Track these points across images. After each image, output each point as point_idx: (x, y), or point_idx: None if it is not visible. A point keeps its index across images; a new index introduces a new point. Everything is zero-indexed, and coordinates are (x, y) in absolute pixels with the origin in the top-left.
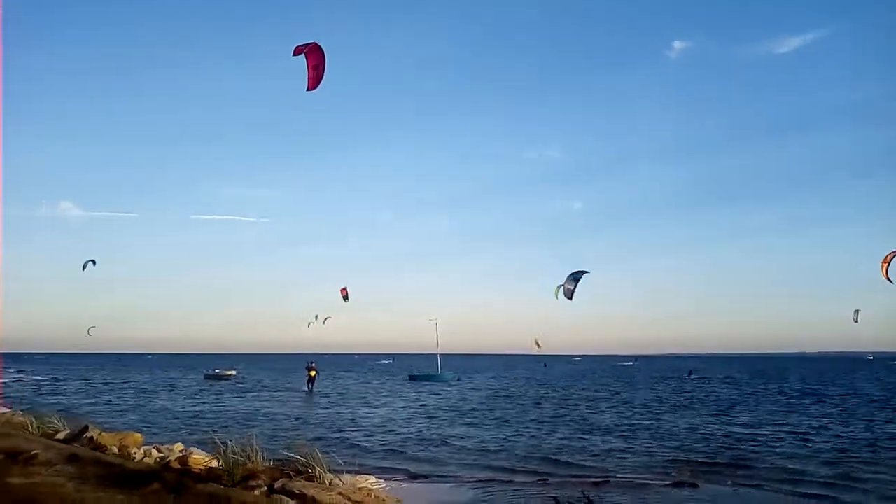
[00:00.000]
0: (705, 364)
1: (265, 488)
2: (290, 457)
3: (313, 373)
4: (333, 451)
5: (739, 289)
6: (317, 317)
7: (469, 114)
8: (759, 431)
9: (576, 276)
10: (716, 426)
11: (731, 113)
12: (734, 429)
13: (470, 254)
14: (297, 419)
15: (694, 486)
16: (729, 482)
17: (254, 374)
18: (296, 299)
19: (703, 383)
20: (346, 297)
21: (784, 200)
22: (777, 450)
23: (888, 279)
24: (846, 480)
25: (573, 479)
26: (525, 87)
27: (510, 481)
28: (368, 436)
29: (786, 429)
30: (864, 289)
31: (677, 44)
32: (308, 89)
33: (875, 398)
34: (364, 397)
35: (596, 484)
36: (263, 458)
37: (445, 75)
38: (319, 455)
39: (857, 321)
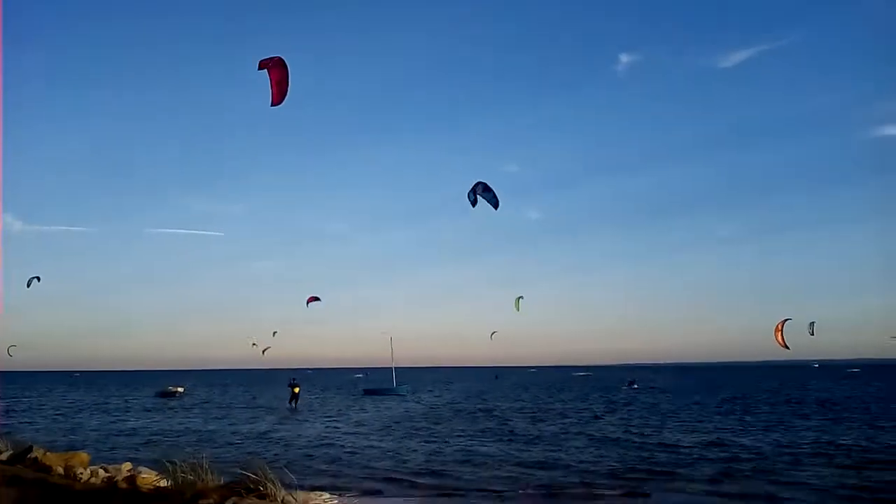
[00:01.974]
0: (655, 374)
1: None
2: (243, 474)
3: (297, 389)
4: (290, 468)
5: (692, 299)
6: (263, 345)
7: (425, 130)
8: (684, 440)
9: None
10: (641, 435)
11: (678, 125)
12: (658, 437)
13: (427, 266)
14: (243, 436)
15: (646, 495)
16: (681, 492)
17: (204, 391)
18: (253, 314)
19: (637, 393)
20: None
21: (735, 210)
22: (698, 459)
23: (784, 346)
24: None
25: (528, 493)
26: (480, 105)
27: (464, 495)
28: (324, 451)
29: (707, 438)
30: (813, 297)
31: (624, 57)
32: (272, 104)
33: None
34: (317, 412)
35: (552, 495)
36: (215, 477)
37: (402, 93)
38: (271, 472)
39: (812, 334)
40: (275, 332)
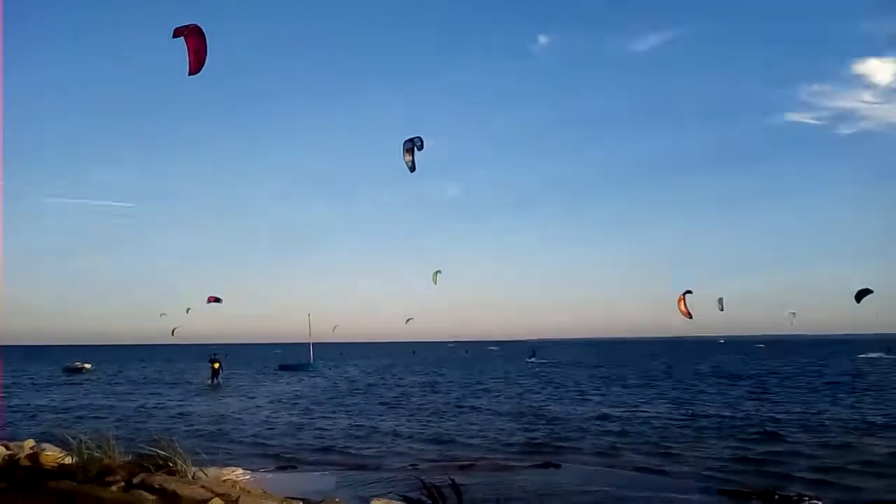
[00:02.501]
0: (564, 349)
1: (122, 484)
2: (152, 451)
3: (216, 365)
4: (202, 444)
5: (604, 277)
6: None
7: (340, 104)
8: (580, 411)
9: (408, 147)
10: (536, 408)
11: (592, 105)
12: (554, 409)
13: (347, 241)
14: (152, 412)
15: (557, 466)
16: (585, 464)
17: (114, 367)
18: (169, 288)
19: (537, 367)
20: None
21: (645, 190)
22: (591, 431)
23: (688, 315)
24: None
25: (441, 464)
26: (397, 78)
27: (379, 467)
28: (240, 427)
29: (602, 410)
30: (721, 273)
31: (542, 38)
32: (189, 74)
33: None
34: (231, 387)
35: (463, 468)
36: (122, 453)
37: (317, 62)
38: (181, 449)
39: (722, 309)
40: (188, 309)
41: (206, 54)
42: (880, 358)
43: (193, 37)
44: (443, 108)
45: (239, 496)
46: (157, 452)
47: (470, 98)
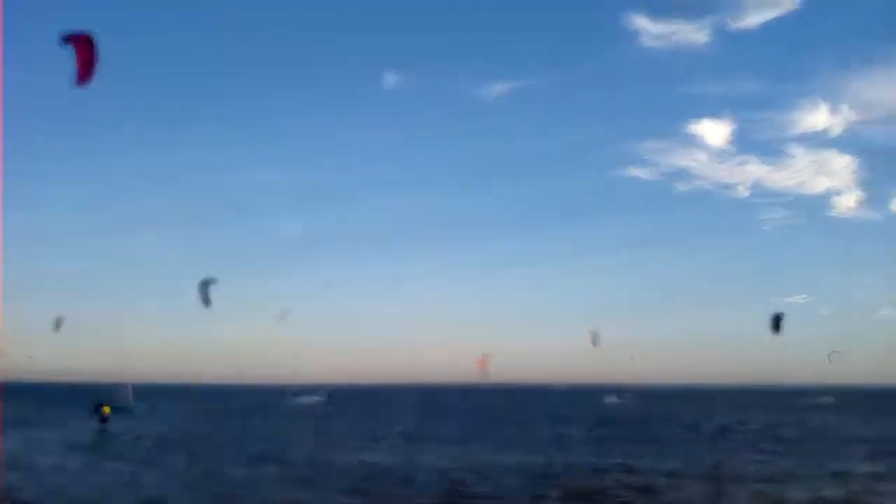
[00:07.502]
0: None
1: None
2: None
3: (107, 409)
4: None
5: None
6: None
7: (185, 130)
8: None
9: (205, 282)
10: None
11: (441, 147)
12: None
13: (183, 277)
14: None
15: None
16: None
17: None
18: None
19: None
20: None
21: (490, 239)
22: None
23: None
24: None
25: None
26: (241, 109)
27: None
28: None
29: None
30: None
31: (391, 76)
32: (77, 84)
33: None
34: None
35: None
36: None
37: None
38: None
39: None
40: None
41: (95, 65)
42: (613, 402)
43: (85, 46)
44: (288, 140)
45: None
46: None
47: (316, 131)
